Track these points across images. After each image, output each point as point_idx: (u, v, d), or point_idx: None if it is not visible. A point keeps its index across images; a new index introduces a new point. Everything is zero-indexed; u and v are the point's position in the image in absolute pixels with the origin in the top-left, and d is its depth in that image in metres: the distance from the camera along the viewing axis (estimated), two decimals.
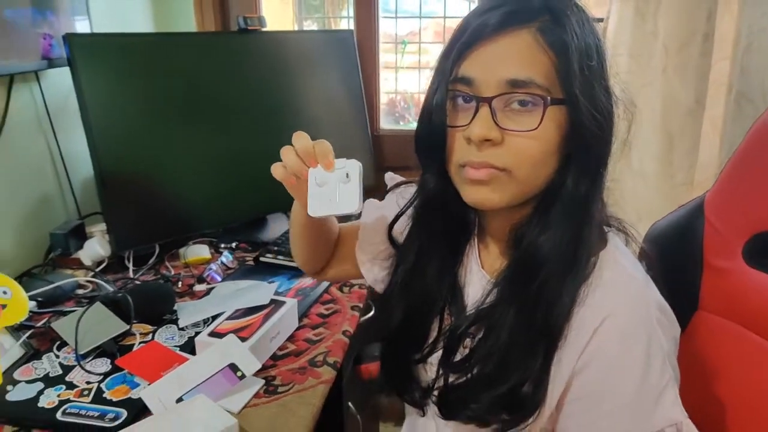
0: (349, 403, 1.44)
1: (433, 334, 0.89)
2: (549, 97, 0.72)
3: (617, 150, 0.80)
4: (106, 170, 1.42)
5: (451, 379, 0.85)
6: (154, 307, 1.28)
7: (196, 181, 1.59)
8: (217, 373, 1.02)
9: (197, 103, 1.58)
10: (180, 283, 1.47)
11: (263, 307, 1.20)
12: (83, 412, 0.99)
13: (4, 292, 1.13)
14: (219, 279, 1.48)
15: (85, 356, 1.13)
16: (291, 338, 1.23)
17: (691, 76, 1.61)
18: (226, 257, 1.58)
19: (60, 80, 1.55)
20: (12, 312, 1.12)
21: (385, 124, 2.20)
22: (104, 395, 1.03)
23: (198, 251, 1.61)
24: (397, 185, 1.01)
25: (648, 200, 1.68)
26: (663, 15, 1.59)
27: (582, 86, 0.73)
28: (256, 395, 1.04)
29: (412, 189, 0.92)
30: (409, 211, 0.92)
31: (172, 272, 1.54)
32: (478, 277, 0.89)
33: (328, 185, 0.82)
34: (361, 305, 1.37)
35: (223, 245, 1.68)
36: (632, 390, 0.74)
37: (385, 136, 2.12)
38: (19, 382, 1.07)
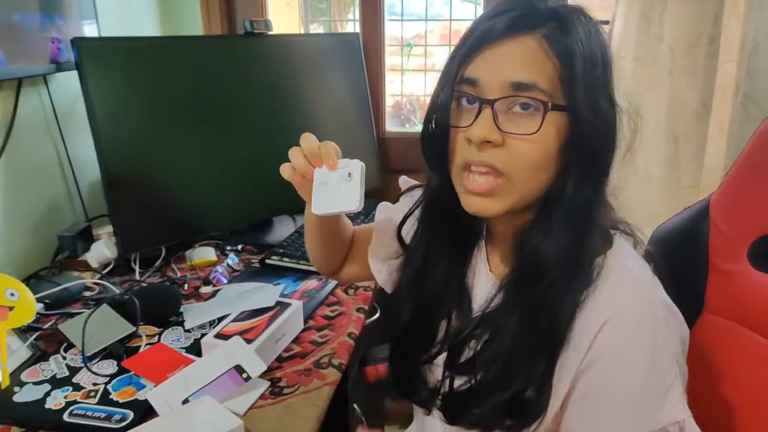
0: (354, 405, 1.44)
1: (441, 334, 0.89)
2: (550, 102, 0.73)
3: (622, 155, 0.81)
4: (113, 173, 1.43)
5: (456, 383, 0.86)
6: (160, 309, 1.29)
7: (202, 183, 1.60)
8: (222, 374, 1.03)
9: (204, 106, 1.59)
10: (186, 285, 1.47)
11: (269, 309, 1.21)
12: (90, 413, 0.99)
13: (12, 294, 1.13)
14: (225, 281, 1.49)
15: (91, 358, 1.14)
16: (296, 340, 1.23)
17: (697, 78, 1.61)
18: (231, 259, 1.59)
19: (68, 84, 1.56)
20: (19, 314, 1.13)
21: (391, 126, 2.21)
22: (111, 397, 1.04)
23: (204, 253, 1.62)
24: (411, 188, 1.02)
25: (654, 203, 1.68)
26: (669, 18, 1.59)
27: (584, 94, 0.74)
28: (262, 397, 1.05)
29: None
30: (418, 212, 0.93)
31: (179, 274, 1.54)
32: (486, 279, 0.89)
33: (331, 184, 0.85)
34: (366, 307, 1.37)
35: (229, 247, 1.69)
36: (637, 388, 0.74)
37: (390, 138, 2.12)
38: (27, 383, 1.07)
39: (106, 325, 1.19)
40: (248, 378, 1.03)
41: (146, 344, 1.19)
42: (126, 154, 1.46)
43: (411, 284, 0.92)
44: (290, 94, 1.77)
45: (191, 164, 1.58)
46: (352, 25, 2.24)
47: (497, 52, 0.75)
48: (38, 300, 1.24)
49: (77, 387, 1.06)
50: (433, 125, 0.81)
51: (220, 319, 1.20)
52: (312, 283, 1.47)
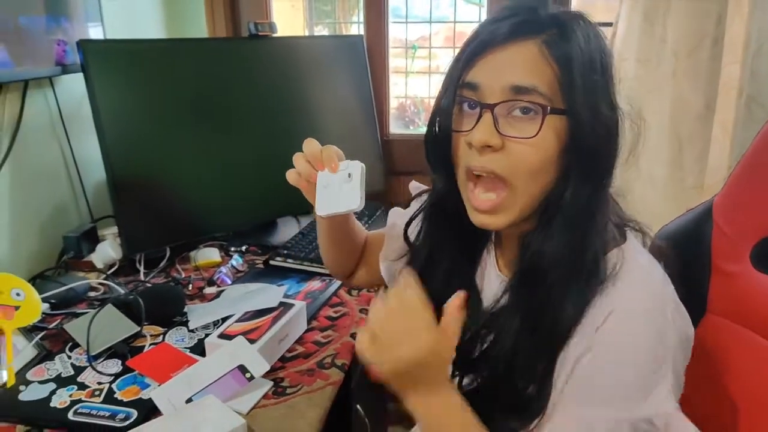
0: (358, 406, 1.44)
1: None
2: (549, 106, 0.74)
3: (626, 158, 0.82)
4: (119, 174, 1.44)
5: (465, 381, 0.86)
6: (164, 309, 1.29)
7: (207, 185, 1.60)
8: (226, 374, 1.03)
9: (208, 107, 1.60)
10: (190, 285, 1.48)
11: (272, 309, 1.21)
12: (94, 412, 1.00)
13: (18, 294, 1.14)
14: (229, 282, 1.49)
15: (96, 357, 1.14)
16: (300, 340, 1.23)
17: (700, 80, 1.61)
18: (236, 260, 1.59)
19: (73, 86, 1.57)
20: (25, 313, 1.14)
21: (395, 128, 2.21)
22: (115, 395, 1.04)
23: (208, 254, 1.63)
24: (421, 193, 1.03)
25: (658, 204, 1.67)
26: (672, 19, 1.59)
27: (584, 99, 0.75)
28: (265, 396, 1.05)
29: None
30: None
31: (183, 275, 1.55)
32: (495, 280, 0.91)
33: (333, 186, 0.89)
34: (369, 308, 1.37)
35: (233, 248, 1.70)
36: (629, 378, 0.74)
37: (394, 140, 2.12)
38: (32, 382, 1.08)
39: (111, 325, 1.20)
40: (251, 378, 1.03)
41: (150, 344, 1.20)
42: (131, 156, 1.47)
43: None
44: (294, 96, 1.78)
45: (196, 166, 1.59)
46: (356, 27, 2.24)
47: (499, 57, 0.77)
48: (44, 300, 1.25)
49: (82, 386, 1.07)
50: (437, 129, 0.83)
51: (224, 320, 1.20)
52: (316, 284, 1.47)
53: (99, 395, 1.04)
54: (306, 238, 1.66)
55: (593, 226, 0.78)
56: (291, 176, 0.93)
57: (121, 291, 1.40)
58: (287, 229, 1.80)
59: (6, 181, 1.43)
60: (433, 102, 0.85)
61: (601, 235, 0.79)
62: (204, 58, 1.61)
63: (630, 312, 0.75)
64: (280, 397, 1.06)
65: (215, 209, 1.63)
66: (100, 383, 1.08)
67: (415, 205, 1.01)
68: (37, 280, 1.42)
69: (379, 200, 1.88)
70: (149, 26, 1.97)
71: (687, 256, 1.01)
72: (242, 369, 1.04)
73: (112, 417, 0.98)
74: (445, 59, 2.22)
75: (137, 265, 1.56)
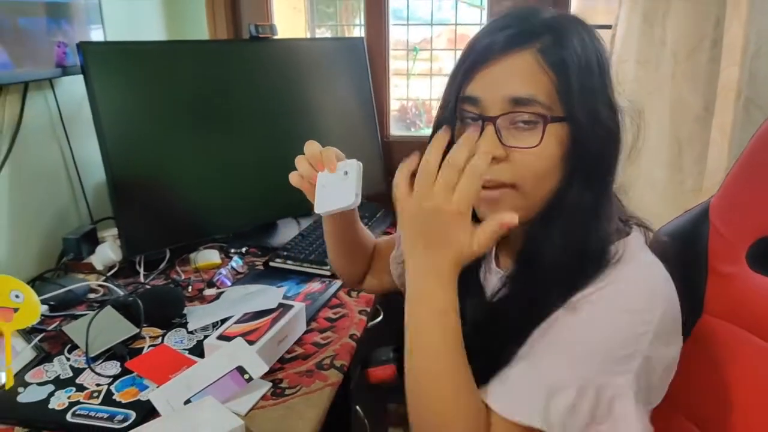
0: (357, 407, 1.45)
1: None
2: (549, 115, 0.76)
3: (625, 158, 0.83)
4: (118, 176, 1.44)
5: None
6: (163, 310, 1.30)
7: (207, 186, 1.61)
8: (225, 375, 1.03)
9: (209, 109, 1.60)
10: (190, 287, 1.48)
11: (271, 311, 1.21)
12: (93, 413, 1.00)
13: (17, 296, 1.15)
14: (229, 283, 1.49)
15: (95, 359, 1.15)
16: (299, 342, 1.24)
17: (699, 82, 1.61)
18: (236, 262, 1.59)
19: (74, 88, 1.57)
20: (24, 315, 1.14)
21: (396, 130, 2.21)
22: (113, 397, 1.04)
23: (208, 256, 1.63)
24: None
25: (657, 206, 1.67)
26: (671, 22, 1.59)
27: (582, 104, 0.76)
28: (264, 397, 1.05)
29: None
30: None
31: (183, 277, 1.55)
32: (495, 276, 0.93)
33: (330, 185, 0.92)
34: (368, 309, 1.38)
35: (233, 250, 1.70)
36: (601, 343, 0.74)
37: (395, 142, 2.12)
38: (31, 384, 1.08)
39: (110, 327, 1.20)
40: (250, 379, 1.04)
41: (149, 346, 1.20)
42: (131, 158, 1.47)
43: None
44: (294, 98, 1.78)
45: (196, 167, 1.59)
46: (359, 29, 2.25)
47: (496, 70, 0.78)
48: (43, 302, 1.26)
49: (80, 388, 1.07)
50: None
51: (223, 321, 1.21)
52: (315, 286, 1.47)
53: (97, 397, 1.04)
54: (306, 239, 1.66)
55: (597, 221, 0.80)
56: (293, 178, 0.95)
57: (121, 293, 1.40)
58: (287, 231, 1.80)
59: (6, 183, 1.44)
60: (434, 104, 0.86)
61: (605, 230, 0.80)
62: (204, 60, 1.62)
63: (620, 292, 0.76)
64: (278, 398, 1.06)
65: (215, 211, 1.63)
66: (98, 385, 1.08)
67: None
68: (37, 282, 1.43)
69: (379, 202, 1.88)
70: (150, 28, 1.97)
71: (684, 257, 1.01)
72: (241, 370, 1.04)
73: (111, 419, 0.98)
74: (446, 61, 2.22)
75: (137, 267, 1.56)
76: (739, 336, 0.95)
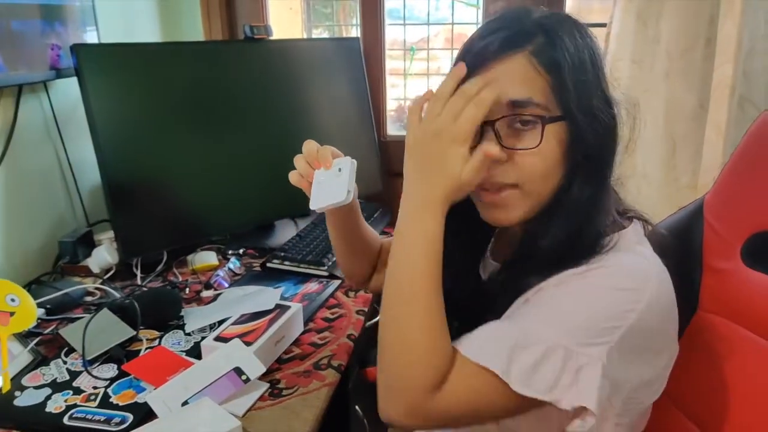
0: (357, 407, 1.45)
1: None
2: (547, 116, 0.77)
3: (621, 152, 0.84)
4: (114, 178, 1.44)
5: None
6: (160, 312, 1.29)
7: (203, 188, 1.61)
8: (222, 376, 1.03)
9: (204, 111, 1.60)
10: (187, 289, 1.48)
11: (268, 312, 1.21)
12: (89, 416, 1.00)
13: (13, 300, 1.15)
14: (226, 285, 1.49)
15: (92, 362, 1.14)
16: (296, 342, 1.24)
17: (693, 80, 1.61)
18: (233, 263, 1.59)
19: (68, 90, 1.57)
20: (20, 319, 1.14)
21: (393, 130, 2.21)
22: (110, 400, 1.04)
23: (205, 258, 1.63)
24: None
25: (652, 204, 1.68)
26: (665, 20, 1.60)
27: (578, 101, 0.78)
28: (261, 398, 1.05)
29: None
30: None
31: (180, 279, 1.55)
32: (490, 266, 0.96)
33: (325, 182, 0.95)
34: (366, 309, 1.38)
35: (230, 251, 1.69)
36: (582, 314, 0.75)
37: (392, 142, 2.12)
38: (27, 387, 1.08)
39: (107, 330, 1.20)
40: (247, 380, 1.04)
41: (146, 348, 1.20)
42: (126, 160, 1.47)
43: None
44: (291, 99, 1.78)
45: (192, 169, 1.59)
46: (356, 30, 2.24)
47: (492, 74, 0.79)
48: (39, 305, 1.25)
49: (77, 391, 1.07)
50: None
51: (221, 323, 1.21)
52: (312, 286, 1.47)
53: (94, 400, 1.04)
54: (303, 240, 1.66)
55: (595, 214, 0.81)
56: (293, 177, 0.98)
57: (117, 295, 1.40)
58: (285, 232, 1.80)
59: (1, 187, 1.43)
60: None
61: (602, 221, 0.82)
62: (199, 62, 1.61)
63: (612, 273, 0.77)
64: (275, 398, 1.06)
65: (212, 212, 1.63)
66: (95, 388, 1.08)
67: None
68: (33, 286, 1.43)
69: (376, 201, 1.88)
70: (145, 29, 1.97)
71: (679, 253, 1.01)
72: (238, 371, 1.04)
73: (107, 421, 0.98)
74: (444, 61, 2.22)
75: (134, 269, 1.56)
76: (734, 332, 0.95)
